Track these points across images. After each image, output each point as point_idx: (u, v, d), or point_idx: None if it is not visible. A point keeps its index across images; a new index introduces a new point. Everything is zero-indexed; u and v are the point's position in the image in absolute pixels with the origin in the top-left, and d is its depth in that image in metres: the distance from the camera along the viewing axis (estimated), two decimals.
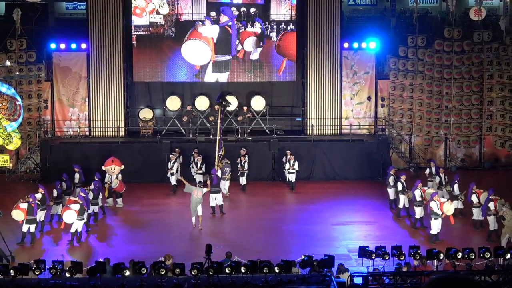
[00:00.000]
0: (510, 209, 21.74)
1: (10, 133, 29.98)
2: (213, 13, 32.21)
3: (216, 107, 29.58)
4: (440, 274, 6.08)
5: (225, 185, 27.58)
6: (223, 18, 32.38)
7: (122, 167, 27.09)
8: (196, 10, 32.29)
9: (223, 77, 32.79)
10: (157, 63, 32.57)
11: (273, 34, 32.48)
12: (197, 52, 32.44)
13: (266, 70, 32.84)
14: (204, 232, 23.90)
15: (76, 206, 22.67)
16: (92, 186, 24.88)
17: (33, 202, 22.73)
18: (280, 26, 32.40)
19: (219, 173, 26.64)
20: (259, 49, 32.56)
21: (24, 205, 22.58)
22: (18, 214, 22.62)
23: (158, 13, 32.32)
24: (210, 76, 32.67)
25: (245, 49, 32.52)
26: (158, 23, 32.40)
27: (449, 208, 22.71)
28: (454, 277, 5.79)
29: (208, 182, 25.70)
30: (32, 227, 22.63)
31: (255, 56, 32.58)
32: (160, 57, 32.56)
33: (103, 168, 27.13)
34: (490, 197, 22.87)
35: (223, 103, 28.45)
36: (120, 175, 26.86)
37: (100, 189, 25.41)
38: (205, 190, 24.60)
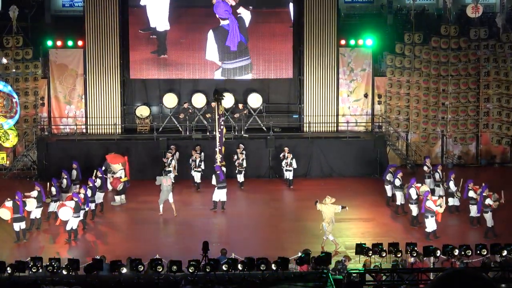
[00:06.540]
0: (324, 204, 21.83)
1: (6, 130, 30.02)
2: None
3: (213, 104, 29.43)
4: (449, 270, 5.91)
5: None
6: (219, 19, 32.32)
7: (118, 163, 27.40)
8: None
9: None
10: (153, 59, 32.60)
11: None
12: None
13: (263, 67, 32.81)
14: (201, 229, 23.90)
15: (72, 203, 22.60)
16: (97, 182, 24.98)
17: (19, 200, 22.61)
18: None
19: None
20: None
21: (9, 204, 22.48)
22: (4, 213, 22.52)
23: None
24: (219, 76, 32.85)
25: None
26: None
27: (441, 204, 22.61)
28: (463, 272, 5.68)
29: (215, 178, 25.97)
30: (23, 224, 22.55)
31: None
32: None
33: (113, 164, 27.29)
34: (484, 194, 22.87)
35: (217, 97, 28.20)
36: (122, 171, 27.02)
37: (104, 183, 25.63)
38: (172, 176, 25.86)
